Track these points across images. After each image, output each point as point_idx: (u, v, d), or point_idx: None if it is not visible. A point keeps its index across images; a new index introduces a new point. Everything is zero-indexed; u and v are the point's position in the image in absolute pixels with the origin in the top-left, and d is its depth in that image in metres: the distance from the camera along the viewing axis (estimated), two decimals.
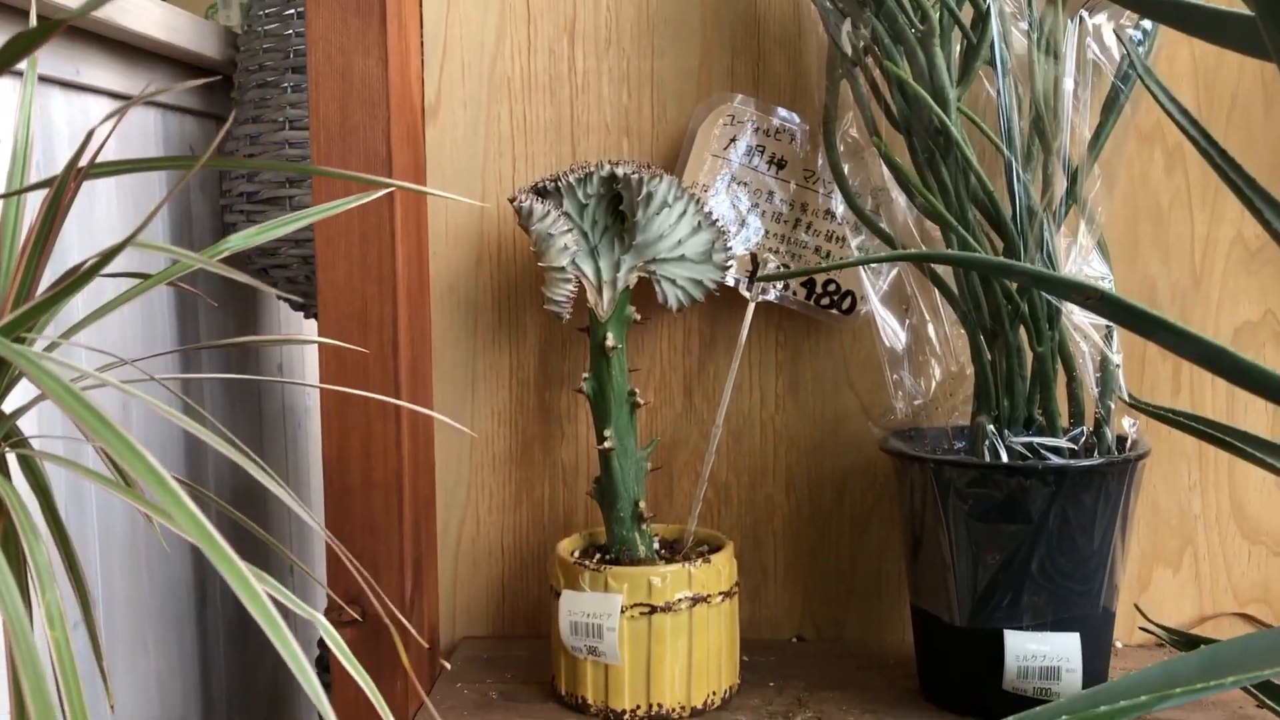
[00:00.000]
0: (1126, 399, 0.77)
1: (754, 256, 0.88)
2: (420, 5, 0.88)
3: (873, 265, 0.85)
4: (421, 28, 0.89)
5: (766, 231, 0.88)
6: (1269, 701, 0.69)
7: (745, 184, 0.88)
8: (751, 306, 0.87)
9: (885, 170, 0.80)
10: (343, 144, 0.72)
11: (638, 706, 0.77)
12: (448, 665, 0.86)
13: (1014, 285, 0.74)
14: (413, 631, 0.78)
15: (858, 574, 0.93)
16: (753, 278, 0.88)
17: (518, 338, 0.93)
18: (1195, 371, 0.90)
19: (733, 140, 0.88)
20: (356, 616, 0.76)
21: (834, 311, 0.89)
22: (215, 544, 0.32)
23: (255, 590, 0.31)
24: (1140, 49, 0.76)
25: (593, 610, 0.76)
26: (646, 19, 0.90)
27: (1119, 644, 0.90)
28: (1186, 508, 0.90)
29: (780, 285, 0.88)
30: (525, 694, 0.82)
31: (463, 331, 0.92)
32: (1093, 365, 0.78)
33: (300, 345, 1.29)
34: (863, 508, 0.92)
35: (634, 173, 0.79)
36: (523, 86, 0.91)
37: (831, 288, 0.88)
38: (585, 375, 0.82)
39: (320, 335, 0.73)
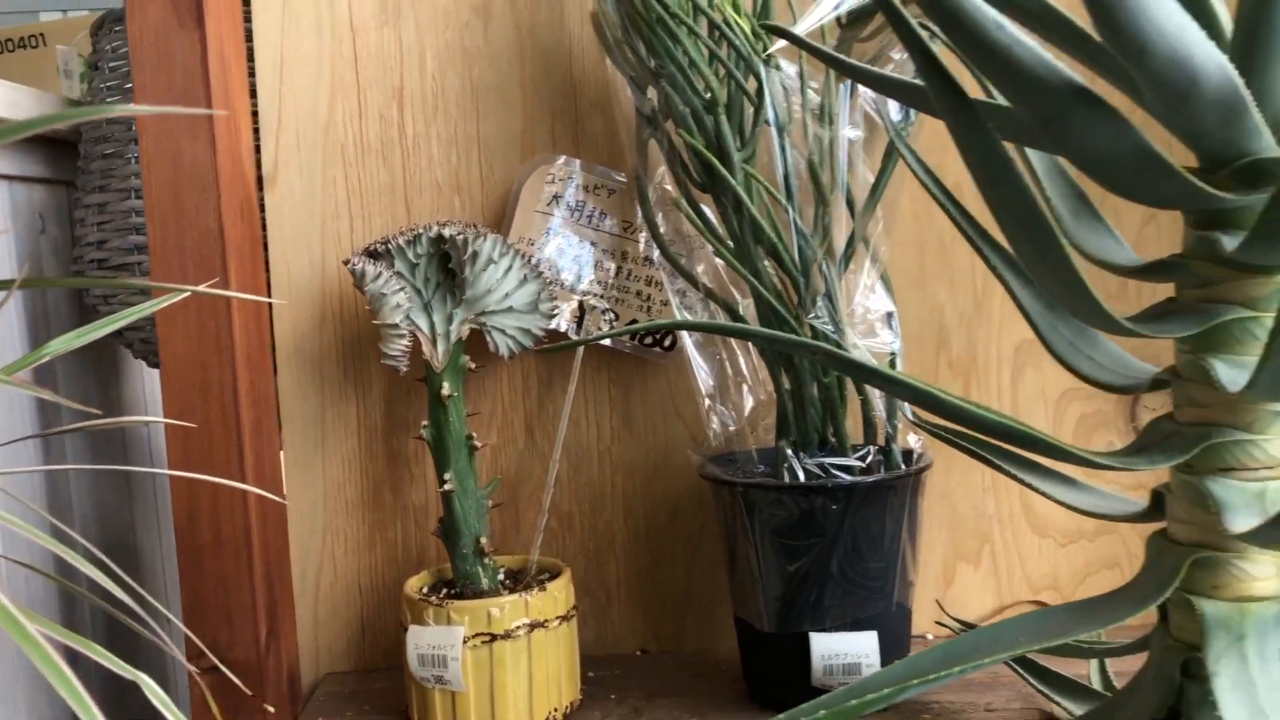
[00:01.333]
0: (910, 418, 0.86)
1: (581, 303, 0.95)
2: (251, 80, 0.93)
3: (686, 304, 0.93)
4: (256, 100, 0.95)
5: (591, 279, 0.96)
6: (1021, 671, 0.79)
7: (569, 237, 0.95)
8: (580, 351, 0.94)
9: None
10: (177, 225, 0.77)
11: None
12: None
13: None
14: (268, 673, 0.83)
15: (693, 589, 1.00)
16: (579, 324, 0.95)
17: (364, 389, 0.98)
18: (983, 386, 1.00)
19: (555, 197, 0.95)
20: (216, 663, 0.81)
21: (657, 349, 0.97)
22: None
23: (33, 638, 0.36)
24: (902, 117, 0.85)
25: (437, 642, 0.82)
26: (470, 86, 0.97)
27: (929, 636, 1.00)
28: (982, 509, 1.00)
29: (607, 328, 0.95)
30: None
31: (310, 386, 0.98)
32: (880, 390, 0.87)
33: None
34: (694, 528, 1.00)
35: (459, 233, 0.86)
36: (356, 152, 0.97)
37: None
38: (425, 424, 0.88)
39: (164, 404, 0.78)
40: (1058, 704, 0.78)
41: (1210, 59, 0.47)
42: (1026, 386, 1.00)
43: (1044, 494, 0.66)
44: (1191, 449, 0.55)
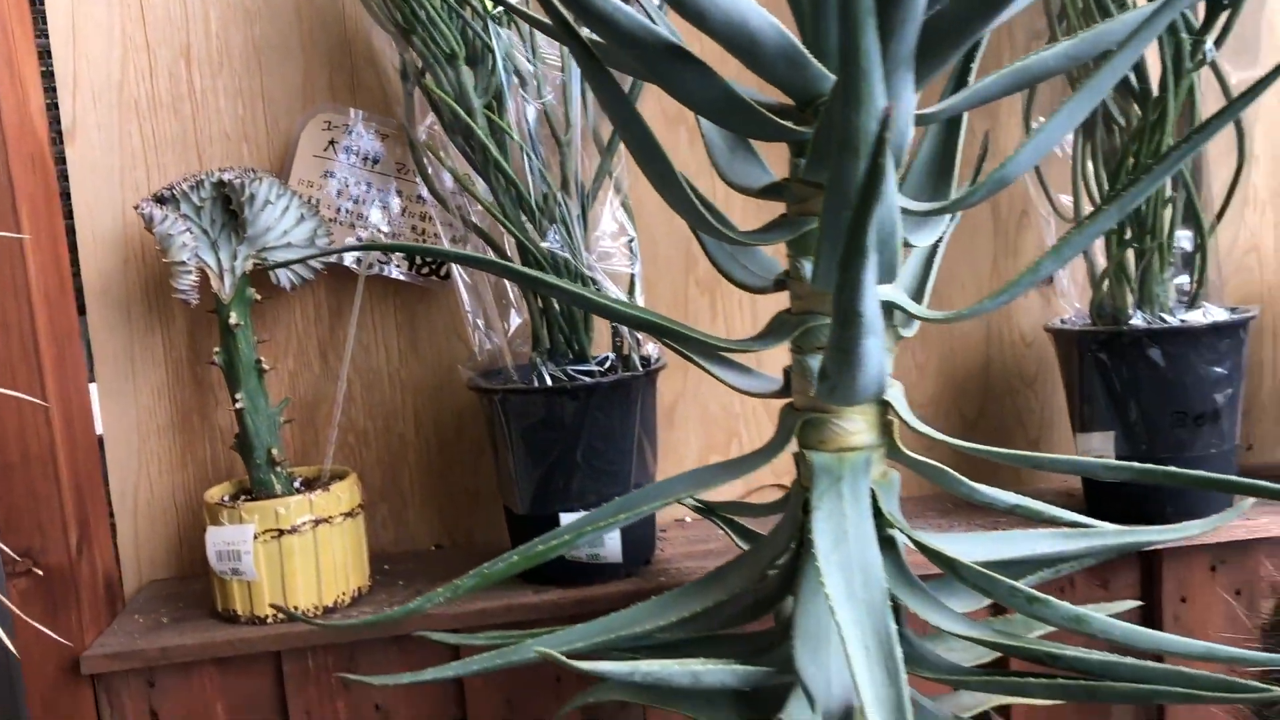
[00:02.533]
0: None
1: (359, 237, 1.07)
2: (35, 45, 1.01)
3: (457, 236, 1.04)
4: (50, 63, 1.03)
5: (369, 217, 1.07)
6: (721, 525, 0.93)
7: (346, 179, 1.06)
8: (362, 280, 1.05)
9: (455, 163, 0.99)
10: None
11: (278, 611, 0.95)
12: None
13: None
14: (83, 577, 0.94)
15: (480, 489, 1.13)
16: (358, 257, 1.06)
17: (168, 323, 1.08)
18: (726, 300, 1.14)
19: (332, 142, 1.06)
20: (32, 568, 0.92)
21: (434, 278, 1.08)
22: None
23: None
24: None
25: (231, 539, 0.94)
26: (252, 43, 1.07)
27: (688, 519, 1.14)
28: (729, 408, 1.15)
29: (387, 260, 1.07)
30: (192, 616, 0.99)
31: (119, 324, 1.07)
32: None
33: None
34: (477, 436, 1.12)
35: (237, 178, 0.96)
36: (149, 107, 1.06)
37: (429, 259, 1.08)
38: (216, 350, 0.98)
39: None
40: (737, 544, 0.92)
41: (764, 22, 0.61)
42: (765, 299, 1.14)
43: (717, 377, 0.79)
44: (793, 332, 0.70)
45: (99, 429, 1.06)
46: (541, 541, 0.73)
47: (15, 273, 0.89)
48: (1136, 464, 0.70)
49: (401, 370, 1.12)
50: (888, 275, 0.65)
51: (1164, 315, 0.99)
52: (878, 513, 0.71)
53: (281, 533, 0.94)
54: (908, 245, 0.73)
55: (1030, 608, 0.69)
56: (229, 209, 0.98)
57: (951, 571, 0.70)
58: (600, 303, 0.75)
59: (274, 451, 0.99)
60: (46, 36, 1.04)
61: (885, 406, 0.71)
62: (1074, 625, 0.69)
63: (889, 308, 0.69)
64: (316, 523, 0.96)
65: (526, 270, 0.81)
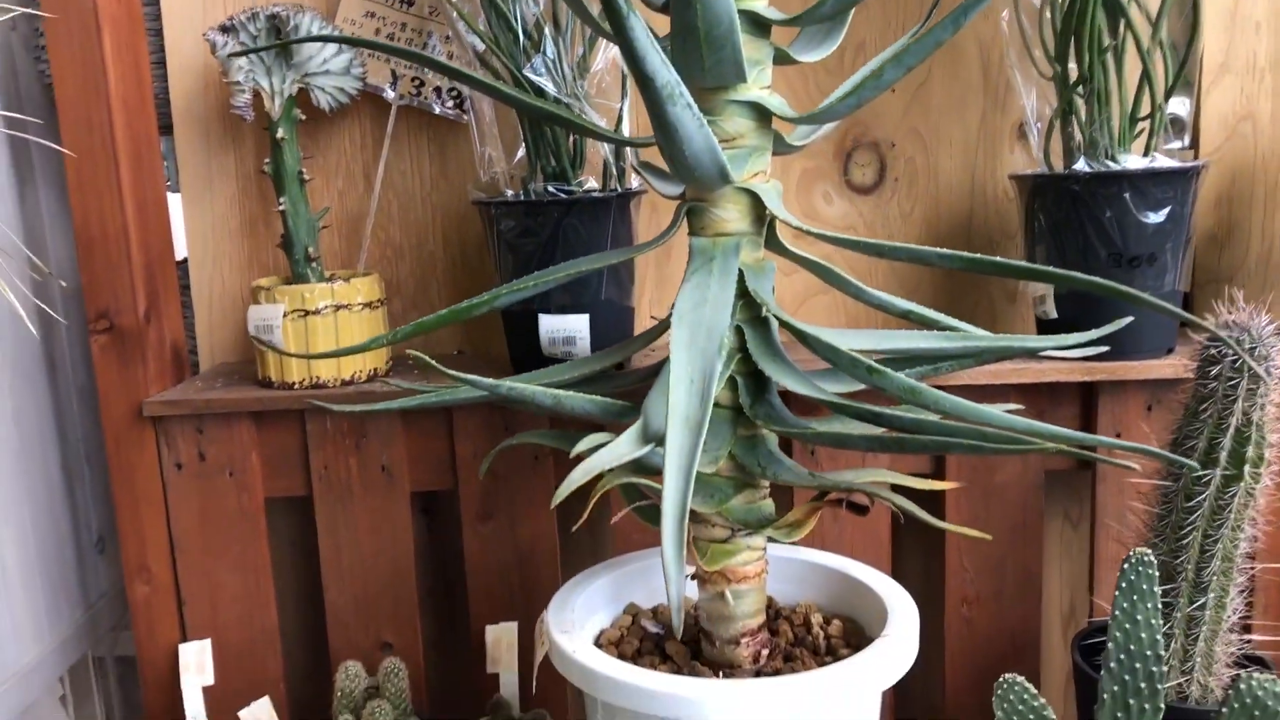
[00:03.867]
0: (637, 166, 1.12)
1: (393, 71, 1.22)
2: None
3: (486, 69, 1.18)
4: None
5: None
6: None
7: (384, 18, 1.21)
8: (394, 109, 1.21)
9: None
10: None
11: (303, 379, 1.13)
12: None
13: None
14: (149, 340, 1.14)
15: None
16: (393, 86, 1.21)
17: (240, 142, 1.27)
18: None
19: None
20: (108, 328, 1.12)
21: (460, 113, 1.23)
22: None
23: None
24: None
25: (265, 316, 1.12)
26: None
27: None
28: None
29: (417, 93, 1.22)
30: (241, 383, 1.18)
31: (199, 141, 1.26)
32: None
33: None
34: None
35: (285, 12, 1.12)
36: None
37: (454, 93, 1.22)
38: (267, 161, 1.16)
39: (63, 136, 1.08)
40: None
41: None
42: None
43: (648, 182, 0.91)
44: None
45: (180, 231, 1.27)
46: (472, 303, 0.87)
47: (98, 83, 1.08)
48: (965, 254, 0.79)
49: (433, 194, 1.27)
50: (735, 74, 0.75)
51: (1109, 162, 1.05)
52: (745, 292, 0.83)
53: (306, 313, 1.12)
54: (791, 61, 0.82)
55: (870, 378, 0.80)
56: (280, 37, 1.15)
57: (803, 342, 0.81)
58: (559, 115, 0.88)
59: (310, 250, 1.17)
60: None
61: (755, 199, 0.82)
62: (910, 395, 0.79)
63: (752, 107, 0.79)
64: (337, 308, 1.13)
65: (502, 86, 0.94)
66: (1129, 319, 0.90)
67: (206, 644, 1.15)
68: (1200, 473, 0.93)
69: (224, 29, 1.14)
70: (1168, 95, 1.06)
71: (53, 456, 1.25)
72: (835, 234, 0.83)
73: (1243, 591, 0.98)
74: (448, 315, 0.87)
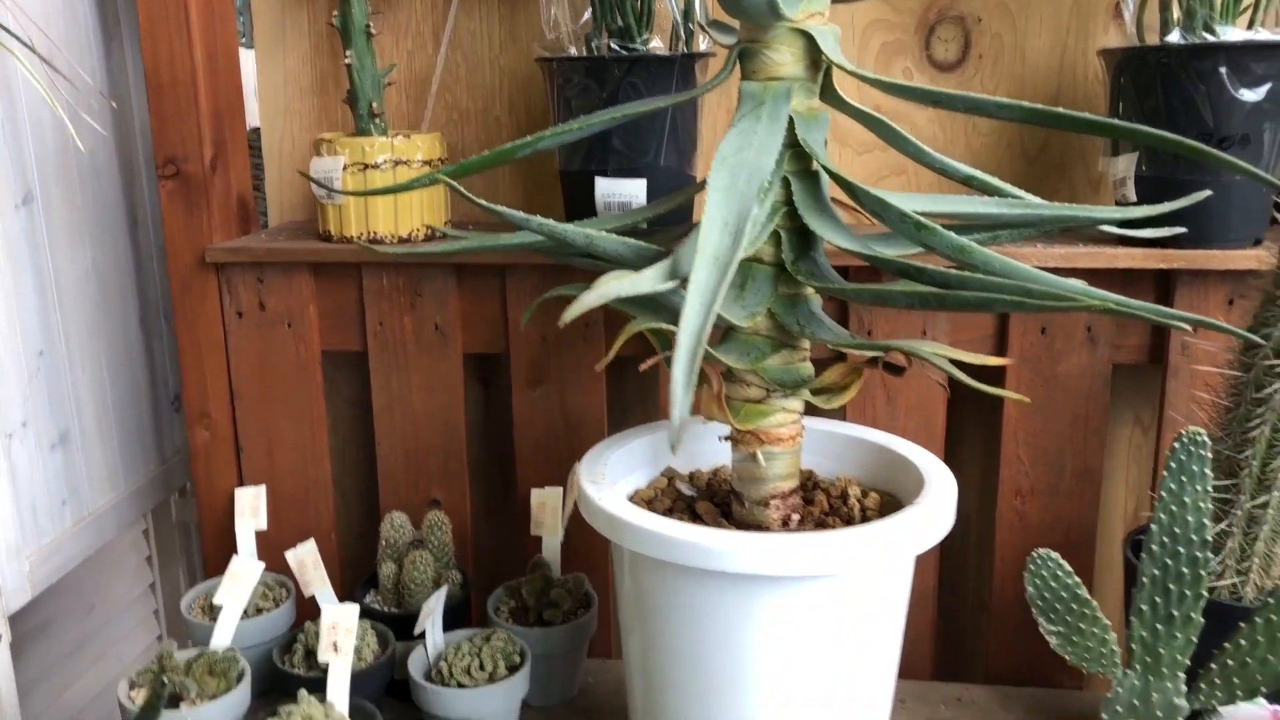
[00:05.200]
0: (704, 23, 1.08)
1: None
2: None
3: None
4: None
5: None
6: None
7: None
8: None
9: None
10: None
11: (361, 233, 1.14)
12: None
13: None
14: (214, 189, 1.16)
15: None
16: None
17: (306, 3, 1.26)
18: None
19: None
20: (176, 171, 1.14)
21: None
22: None
23: None
24: None
25: (327, 168, 1.13)
26: None
27: None
28: None
29: None
30: (303, 236, 1.19)
31: None
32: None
33: None
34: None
35: None
36: None
37: None
38: (335, 13, 1.16)
39: None
40: None
41: None
42: (838, 17, 1.19)
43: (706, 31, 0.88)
44: None
45: (253, 85, 1.28)
46: (517, 144, 0.86)
47: None
48: (1025, 104, 0.74)
49: (501, 57, 1.26)
50: None
51: (1206, 34, 0.98)
52: (794, 142, 0.79)
53: (366, 167, 1.12)
54: None
55: (918, 234, 0.76)
56: None
57: (850, 194, 0.78)
58: None
59: (374, 105, 1.16)
60: None
61: (809, 41, 0.78)
62: (958, 254, 0.76)
63: None
64: (396, 163, 1.13)
65: None
66: (1207, 193, 0.84)
67: (261, 489, 1.18)
68: (1273, 362, 0.88)
69: None
70: None
71: (132, 312, 1.28)
72: (893, 80, 0.79)
73: None
74: (492, 157, 0.86)
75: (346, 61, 1.15)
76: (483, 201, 0.77)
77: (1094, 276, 1.04)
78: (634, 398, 1.27)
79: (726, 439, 0.89)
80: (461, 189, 0.75)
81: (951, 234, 0.75)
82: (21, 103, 1.08)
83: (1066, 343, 1.07)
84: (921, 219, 0.75)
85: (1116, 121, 0.80)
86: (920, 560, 1.14)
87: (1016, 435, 1.10)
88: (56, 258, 1.14)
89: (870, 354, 0.81)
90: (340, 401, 1.32)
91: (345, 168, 1.12)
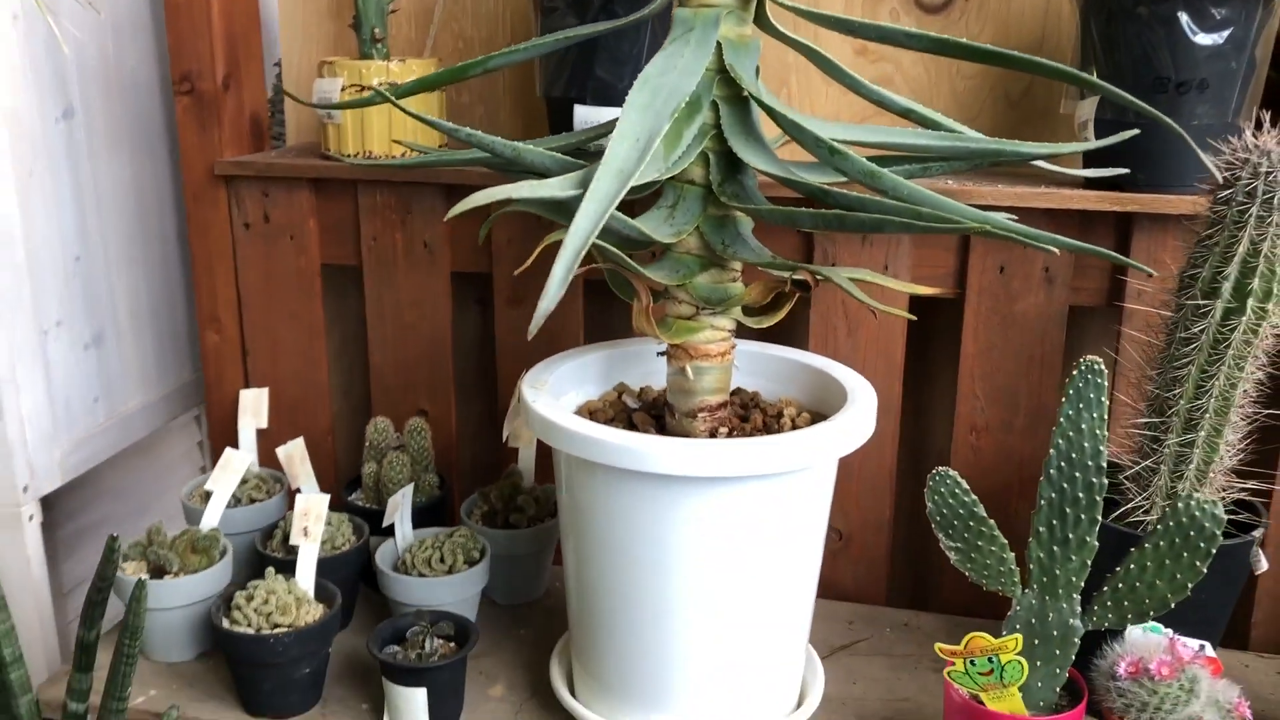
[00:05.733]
0: None
1: None
2: None
3: None
4: None
5: None
6: None
7: None
8: None
9: None
10: None
11: (358, 152, 1.20)
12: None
13: None
14: (226, 106, 1.23)
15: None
16: None
17: None
18: None
19: None
20: (191, 88, 1.22)
21: None
22: None
23: None
24: None
25: (326, 89, 1.19)
26: None
27: None
28: (782, 59, 1.25)
29: None
30: (310, 155, 1.26)
31: None
32: None
33: None
34: None
35: None
36: None
37: None
38: None
39: None
40: None
41: None
42: None
43: None
44: None
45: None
46: (468, 64, 0.91)
47: None
48: (933, 35, 0.77)
49: None
50: None
51: None
52: (724, 68, 0.83)
53: (362, 89, 1.19)
54: None
55: (832, 159, 0.80)
56: None
57: (771, 117, 0.82)
58: None
59: (376, 31, 1.22)
60: None
61: None
62: (869, 180, 0.79)
63: None
64: (392, 85, 1.19)
65: None
66: (1134, 132, 0.86)
67: (264, 392, 1.26)
68: (1200, 303, 0.90)
69: None
70: None
71: (170, 223, 1.36)
72: (811, 9, 0.83)
73: (1241, 435, 0.94)
74: (445, 74, 0.92)
75: None
76: (414, 111, 0.83)
77: (1051, 217, 1.06)
78: (619, 319, 1.32)
79: (661, 354, 0.94)
80: (397, 102, 0.81)
81: (862, 160, 0.79)
82: (64, 18, 1.16)
83: (1024, 283, 1.09)
84: (835, 144, 0.79)
85: (1042, 60, 0.82)
86: (877, 491, 1.18)
87: (973, 373, 1.13)
88: (96, 168, 1.22)
89: (783, 274, 0.85)
90: (348, 313, 1.39)
91: (343, 89, 1.19)
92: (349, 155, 1.21)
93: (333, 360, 1.34)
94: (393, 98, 0.83)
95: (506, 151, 0.82)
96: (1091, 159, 1.06)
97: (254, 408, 1.27)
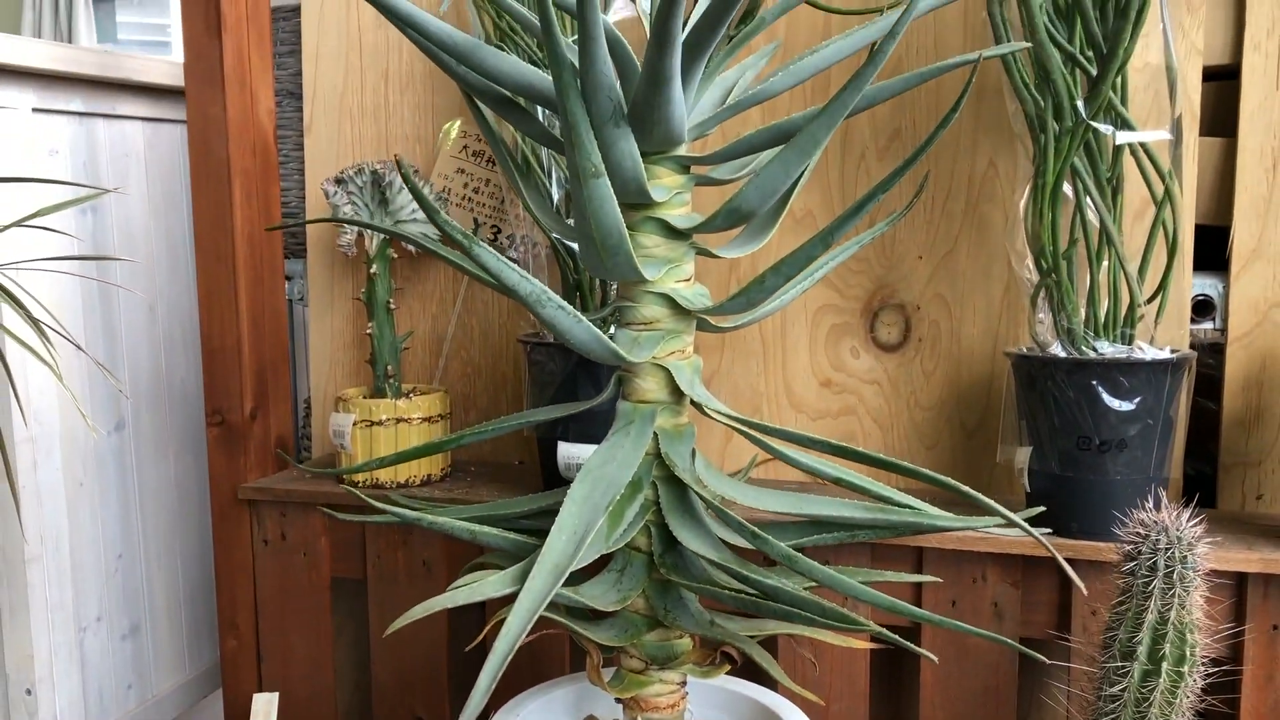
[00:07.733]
0: None
1: (475, 219, 1.41)
2: (273, 62, 1.45)
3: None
4: (300, 82, 1.47)
5: (483, 204, 1.41)
6: None
7: (472, 174, 1.41)
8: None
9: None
10: (204, 157, 1.31)
11: (365, 480, 1.33)
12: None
13: None
14: (253, 436, 1.37)
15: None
16: (475, 230, 1.40)
17: (358, 270, 1.49)
18: None
19: (465, 147, 1.41)
20: (222, 420, 1.36)
21: (527, 257, 1.40)
22: None
23: None
24: None
25: (340, 423, 1.33)
26: (430, 69, 1.44)
27: None
28: (755, 388, 1.36)
29: (494, 239, 1.40)
30: (324, 478, 1.39)
31: (325, 267, 1.50)
32: None
33: None
34: None
35: (382, 168, 1.34)
36: (358, 112, 1.47)
37: (527, 240, 1.40)
38: (362, 290, 1.38)
39: (196, 268, 1.33)
40: None
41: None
42: (795, 303, 1.34)
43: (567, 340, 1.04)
44: (610, 309, 0.94)
45: (309, 340, 1.50)
46: (441, 441, 1.03)
47: (224, 219, 1.33)
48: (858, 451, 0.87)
49: (508, 324, 1.45)
50: (632, 273, 0.87)
51: (1083, 348, 1.08)
52: (660, 453, 0.94)
53: (371, 424, 1.32)
54: (715, 256, 0.94)
55: (753, 541, 0.89)
56: (379, 190, 1.36)
57: (701, 498, 0.92)
58: None
59: (389, 368, 1.37)
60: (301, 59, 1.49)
61: (669, 375, 0.93)
62: (786, 561, 0.88)
63: (664, 297, 0.91)
64: (398, 421, 1.32)
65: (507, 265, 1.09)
66: (988, 519, 0.94)
67: (274, 696, 1.35)
68: (1119, 665, 0.95)
69: (336, 180, 1.37)
70: (1157, 293, 1.09)
71: (207, 517, 1.49)
72: (736, 415, 0.93)
73: None
74: (424, 448, 1.04)
75: (369, 332, 1.36)
76: (377, 503, 0.94)
77: (999, 561, 1.13)
78: None
79: (619, 700, 1.01)
80: (393, 504, 0.93)
81: (780, 545, 0.88)
82: (121, 341, 1.32)
83: (974, 618, 1.16)
84: (756, 530, 0.88)
85: (924, 470, 0.91)
86: None
87: (934, 699, 1.18)
88: (142, 471, 1.36)
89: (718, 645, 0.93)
90: (347, 621, 1.49)
91: (355, 424, 1.32)
92: (359, 482, 1.33)
93: (340, 662, 1.42)
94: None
95: (464, 535, 0.93)
96: (1033, 502, 1.14)
97: (265, 711, 1.35)
